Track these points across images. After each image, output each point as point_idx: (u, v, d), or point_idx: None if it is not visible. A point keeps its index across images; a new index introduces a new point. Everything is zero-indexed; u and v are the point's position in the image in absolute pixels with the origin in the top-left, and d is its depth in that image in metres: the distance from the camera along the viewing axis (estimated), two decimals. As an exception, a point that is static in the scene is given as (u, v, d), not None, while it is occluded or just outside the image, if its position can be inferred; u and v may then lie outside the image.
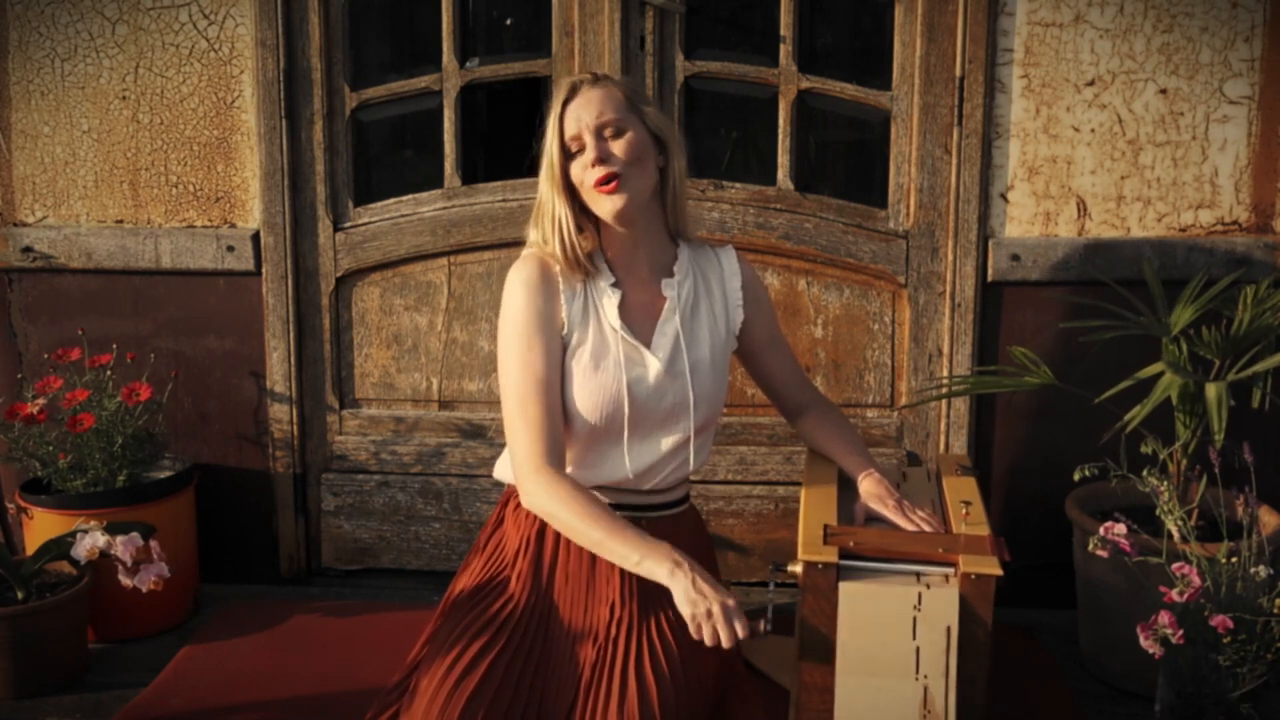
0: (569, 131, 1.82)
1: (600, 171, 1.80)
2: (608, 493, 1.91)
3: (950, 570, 1.70)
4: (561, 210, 1.84)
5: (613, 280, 1.89)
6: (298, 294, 2.73)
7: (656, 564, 1.69)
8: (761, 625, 1.69)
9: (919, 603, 1.62)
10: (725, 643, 1.62)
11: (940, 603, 1.62)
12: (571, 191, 1.85)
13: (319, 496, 2.81)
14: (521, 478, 1.82)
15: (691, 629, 1.65)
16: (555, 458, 1.81)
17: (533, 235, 1.91)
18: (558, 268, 1.86)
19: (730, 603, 1.63)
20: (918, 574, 1.67)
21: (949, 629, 1.61)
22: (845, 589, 1.64)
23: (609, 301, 1.87)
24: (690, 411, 1.89)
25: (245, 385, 2.77)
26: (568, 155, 1.84)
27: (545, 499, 1.78)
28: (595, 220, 1.88)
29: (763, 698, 1.97)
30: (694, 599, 1.63)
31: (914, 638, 1.62)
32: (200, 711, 2.17)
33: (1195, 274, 2.40)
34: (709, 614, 1.62)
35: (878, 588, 1.64)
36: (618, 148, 1.81)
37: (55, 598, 2.25)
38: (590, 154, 1.80)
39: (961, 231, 2.56)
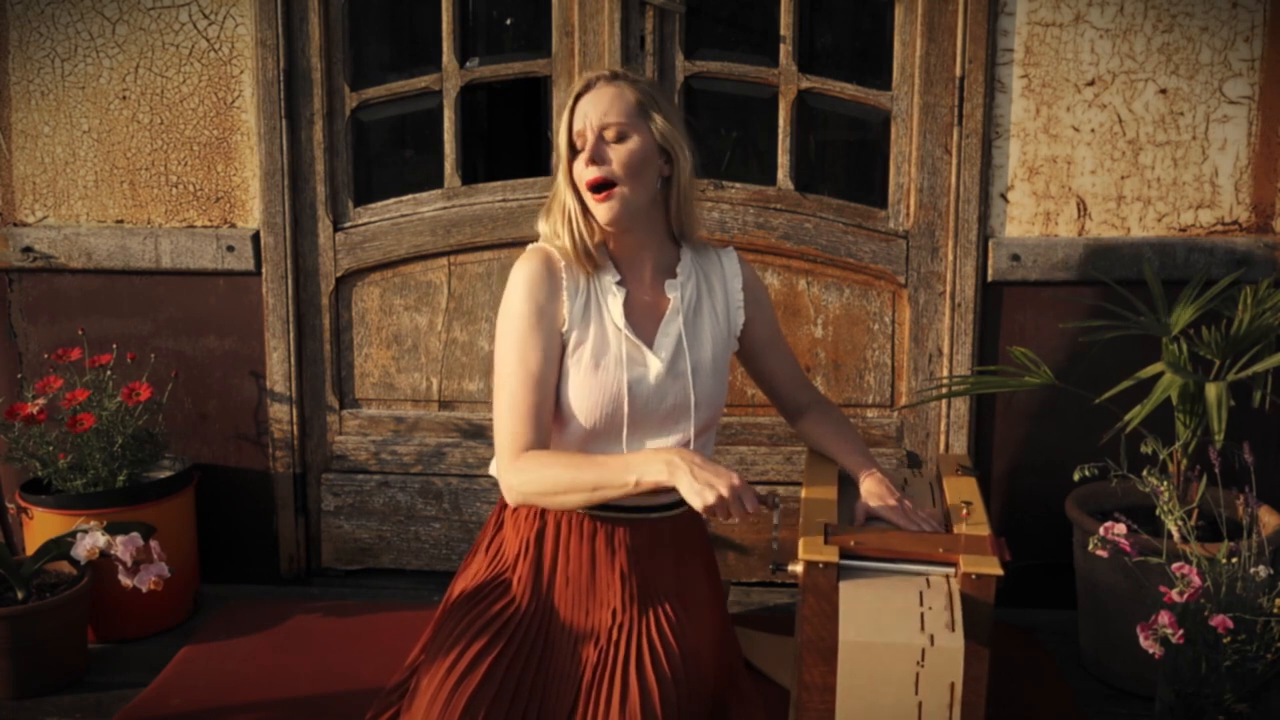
0: (576, 126, 1.82)
1: (593, 173, 1.80)
2: (608, 493, 1.90)
3: (953, 571, 1.70)
4: (571, 202, 1.84)
5: (618, 278, 1.89)
6: (298, 294, 2.73)
7: (653, 473, 1.69)
8: (772, 497, 1.71)
9: (922, 659, 1.58)
10: (739, 518, 1.64)
11: (944, 659, 1.58)
12: (574, 186, 1.85)
13: (319, 496, 2.81)
14: (502, 470, 1.82)
15: (705, 514, 1.66)
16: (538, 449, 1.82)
17: (543, 227, 1.91)
18: (563, 263, 1.86)
19: (736, 482, 1.64)
20: (921, 618, 1.62)
21: (953, 685, 1.58)
22: (845, 646, 1.60)
23: (614, 300, 1.87)
24: (691, 413, 1.89)
25: (245, 385, 2.77)
26: (574, 150, 1.84)
27: (528, 478, 1.78)
28: None
29: (763, 698, 1.97)
30: (699, 490, 1.64)
31: (916, 693, 1.59)
32: (200, 711, 2.17)
33: (1195, 274, 2.40)
34: (720, 499, 1.63)
35: (879, 644, 1.59)
36: (616, 153, 1.81)
37: (55, 598, 2.25)
38: (586, 153, 1.81)
39: (961, 231, 2.56)
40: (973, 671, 1.62)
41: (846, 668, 1.60)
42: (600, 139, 1.81)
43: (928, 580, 1.65)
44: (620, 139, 1.81)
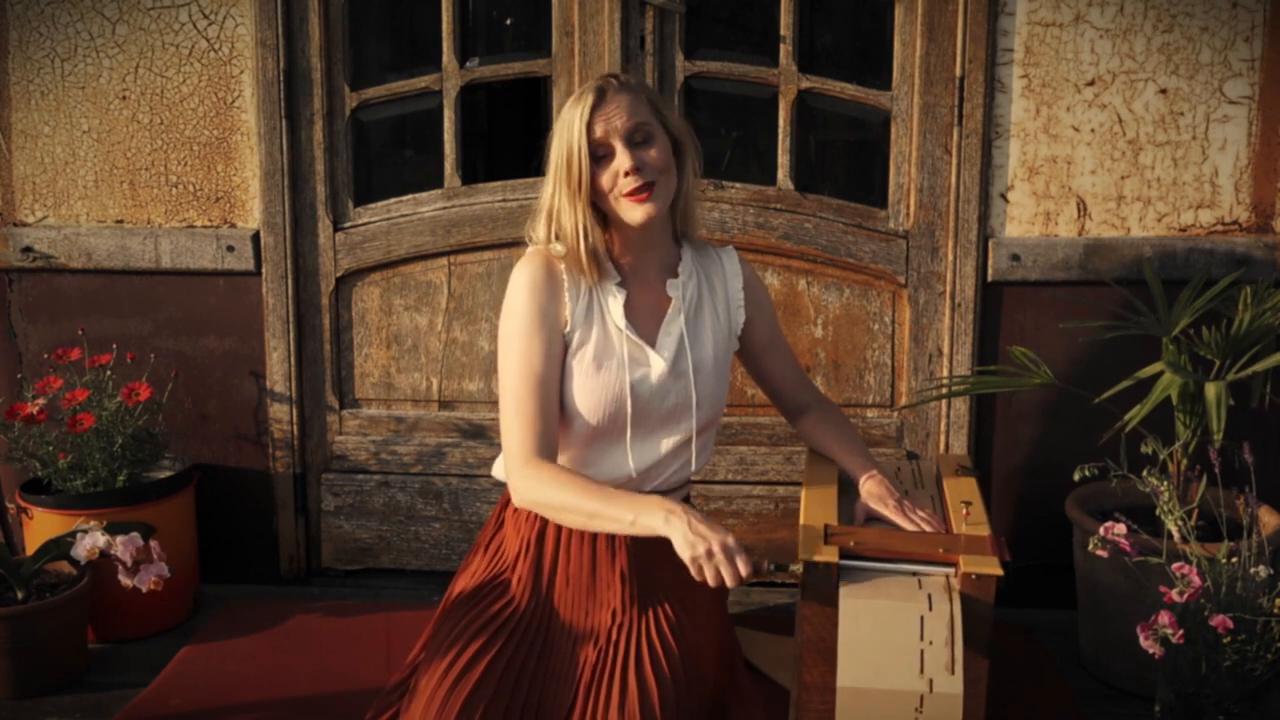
0: (597, 133, 1.80)
1: (635, 181, 1.79)
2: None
3: (953, 572, 1.70)
4: (582, 214, 1.82)
5: (618, 280, 1.89)
6: (298, 294, 2.73)
7: (650, 517, 1.67)
8: (765, 564, 1.66)
9: (920, 706, 1.57)
10: (729, 581, 1.60)
11: (943, 706, 1.56)
12: (594, 195, 1.84)
13: (319, 496, 2.81)
14: (511, 473, 1.82)
15: (693, 571, 1.63)
16: (547, 454, 1.81)
17: (540, 233, 1.90)
18: (563, 266, 1.86)
19: (730, 541, 1.61)
20: (920, 656, 1.59)
21: None
22: (843, 691, 1.58)
23: (614, 301, 1.87)
24: (692, 412, 1.89)
25: (245, 385, 2.77)
26: (595, 159, 1.82)
27: (535, 487, 1.78)
28: (604, 221, 1.87)
29: (763, 698, 1.98)
30: (692, 541, 1.62)
31: None
32: (200, 711, 2.17)
33: (1195, 274, 2.40)
34: (709, 554, 1.61)
35: (877, 690, 1.57)
36: (650, 156, 1.81)
37: (55, 598, 2.25)
38: (625, 162, 1.79)
39: (961, 231, 2.56)
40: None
41: (844, 711, 1.59)
42: (632, 144, 1.80)
43: (930, 601, 1.62)
44: (647, 141, 1.81)
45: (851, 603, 1.62)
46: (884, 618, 1.61)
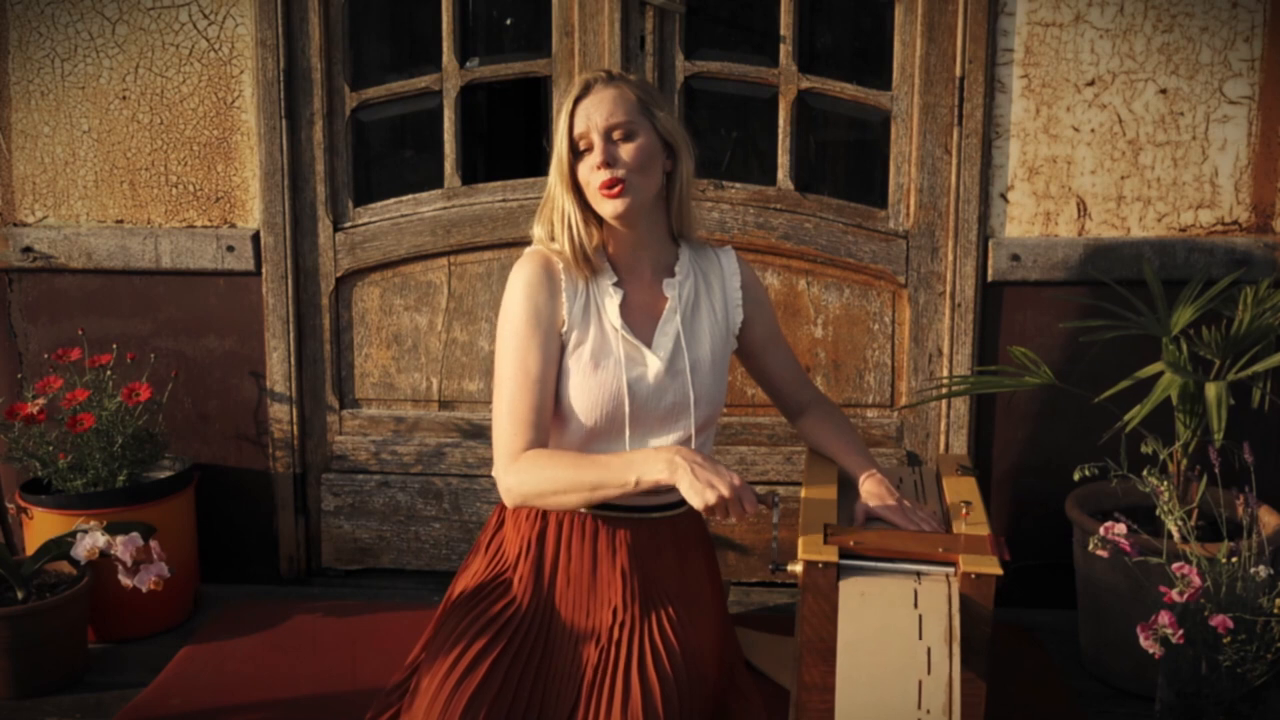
0: (578, 129, 1.82)
1: (605, 175, 1.80)
2: (608, 492, 1.91)
3: (952, 571, 1.70)
4: (570, 207, 1.84)
5: (615, 280, 1.89)
6: (298, 294, 2.73)
7: (654, 471, 1.71)
8: (771, 497, 1.76)
9: None
10: (736, 519, 1.68)
11: None
12: (579, 188, 1.85)
13: (319, 496, 2.81)
14: (500, 471, 1.83)
15: (704, 513, 1.68)
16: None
17: (538, 231, 1.91)
18: (560, 266, 1.87)
19: (737, 482, 1.67)
20: (918, 698, 1.57)
21: None
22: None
23: (610, 301, 1.87)
24: (690, 411, 1.89)
25: (245, 385, 2.77)
26: (576, 153, 1.84)
27: (526, 479, 1.78)
28: (600, 218, 1.88)
29: (763, 698, 1.98)
30: (700, 489, 1.66)
31: None
32: (200, 711, 2.17)
33: (1195, 274, 2.40)
34: (721, 499, 1.65)
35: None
36: (625, 152, 1.81)
37: (55, 598, 2.25)
38: (597, 156, 1.80)
39: (961, 231, 2.56)
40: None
41: None
42: (608, 140, 1.81)
43: (929, 655, 1.60)
44: (628, 138, 1.82)
45: (849, 644, 1.60)
46: (881, 658, 1.59)
